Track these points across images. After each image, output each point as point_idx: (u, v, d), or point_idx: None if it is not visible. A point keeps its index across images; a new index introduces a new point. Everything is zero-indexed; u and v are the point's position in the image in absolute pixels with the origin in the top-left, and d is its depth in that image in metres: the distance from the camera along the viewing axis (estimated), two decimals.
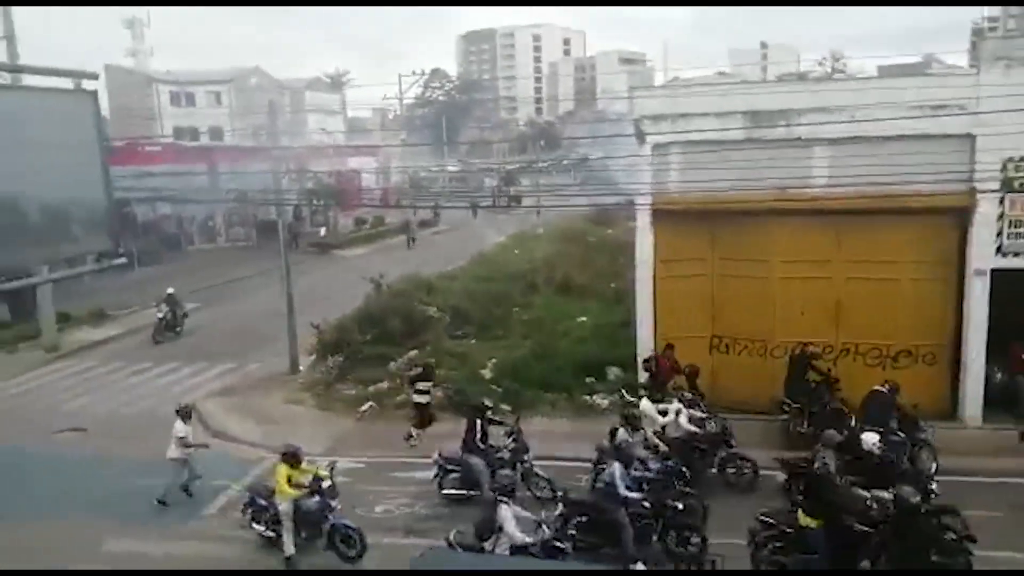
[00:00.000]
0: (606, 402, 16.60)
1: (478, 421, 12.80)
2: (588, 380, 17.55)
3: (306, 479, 11.10)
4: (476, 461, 12.50)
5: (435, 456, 13.00)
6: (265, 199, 25.76)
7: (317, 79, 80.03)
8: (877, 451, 11.07)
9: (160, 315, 23.91)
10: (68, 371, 21.32)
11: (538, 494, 12.48)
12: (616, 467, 10.56)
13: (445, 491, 12.80)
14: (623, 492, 10.42)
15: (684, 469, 12.01)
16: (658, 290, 16.05)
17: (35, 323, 23.37)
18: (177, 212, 40.62)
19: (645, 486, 10.91)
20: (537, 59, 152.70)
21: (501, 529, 9.57)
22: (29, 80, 4.57)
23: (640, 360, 15.66)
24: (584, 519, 10.67)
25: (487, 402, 13.82)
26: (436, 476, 12.87)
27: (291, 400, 18.22)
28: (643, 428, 12.37)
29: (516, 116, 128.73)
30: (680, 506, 10.59)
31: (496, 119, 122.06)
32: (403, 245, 41.43)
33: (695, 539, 10.58)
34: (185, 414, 13.37)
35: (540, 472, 12.68)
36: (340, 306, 22.27)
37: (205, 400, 18.28)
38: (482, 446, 12.66)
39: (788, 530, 9.91)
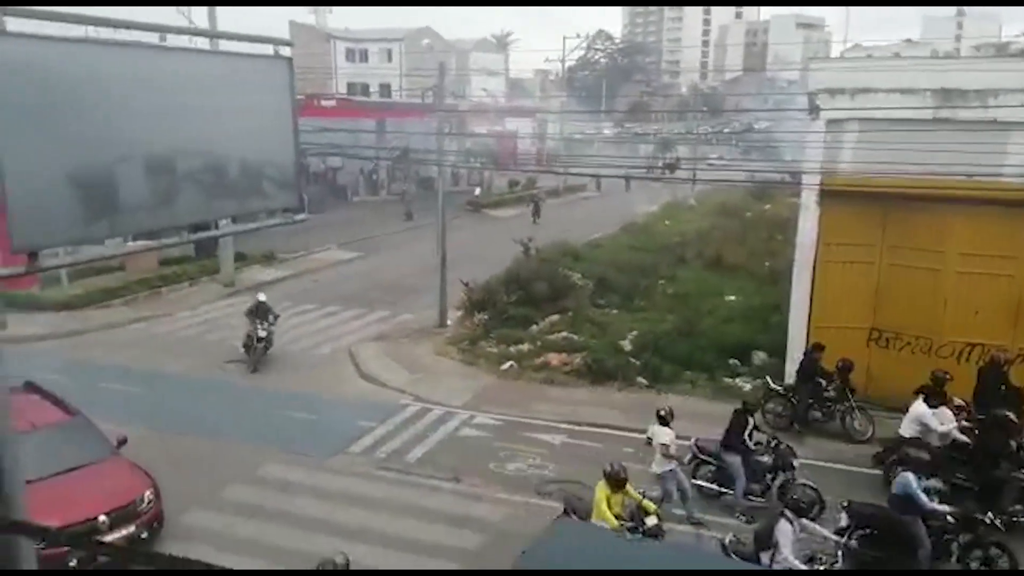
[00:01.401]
0: (748, 386, 16.11)
1: (748, 419, 11.75)
2: (732, 362, 17.09)
3: (628, 504, 10.08)
4: (734, 460, 11.63)
5: (691, 442, 12.13)
6: (425, 157, 26.61)
7: (484, 40, 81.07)
8: None
9: (262, 334, 17.81)
10: (240, 306, 23.21)
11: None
12: (910, 475, 9.73)
13: (697, 482, 12.05)
14: (928, 505, 9.57)
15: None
16: (818, 274, 15.22)
17: (215, 260, 25.60)
18: (345, 164, 42.81)
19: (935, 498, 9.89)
20: (706, 22, 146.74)
21: (778, 545, 8.71)
22: (227, 45, 4.91)
23: (792, 350, 14.97)
24: (870, 531, 9.77)
25: (748, 403, 12.34)
26: (691, 463, 12.07)
27: (438, 352, 18.97)
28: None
29: (678, 81, 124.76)
30: (991, 521, 9.52)
31: (658, 84, 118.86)
32: (553, 207, 41.53)
33: (1003, 560, 9.64)
34: (667, 417, 11.40)
35: (807, 482, 11.31)
36: (488, 264, 22.83)
37: (360, 345, 19.42)
38: (747, 446, 11.71)
39: None
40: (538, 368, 17.41)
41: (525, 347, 18.51)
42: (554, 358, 17.71)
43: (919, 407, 11.97)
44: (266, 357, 18.05)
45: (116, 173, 4.37)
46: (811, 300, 15.28)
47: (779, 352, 15.94)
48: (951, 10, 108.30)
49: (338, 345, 19.56)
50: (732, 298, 21.27)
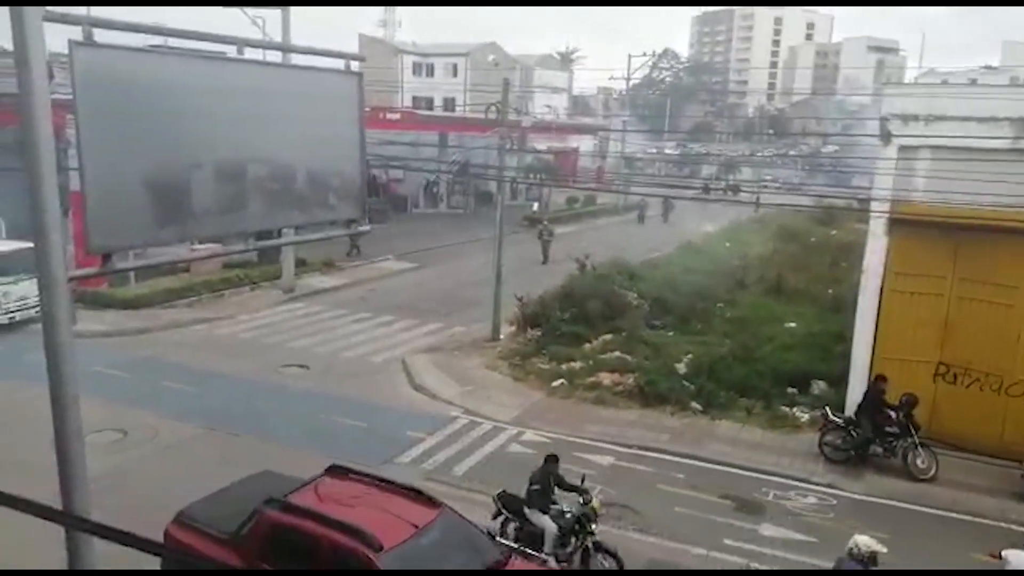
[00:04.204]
0: (806, 416, 15.68)
1: None
2: (790, 391, 16.65)
3: None
4: None
5: None
6: (484, 173, 26.83)
7: (548, 56, 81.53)
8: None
9: None
10: (298, 312, 23.69)
11: None
12: None
13: None
14: None
15: None
16: (884, 304, 14.77)
17: (277, 266, 26.17)
18: (406, 176, 43.45)
19: None
20: (776, 43, 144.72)
21: None
22: (300, 58, 5.03)
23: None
24: None
25: None
26: None
27: (488, 366, 18.97)
28: None
29: (744, 102, 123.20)
30: None
31: (723, 104, 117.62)
32: (608, 226, 41.30)
33: None
34: None
35: None
36: (541, 279, 22.79)
37: (412, 355, 19.56)
38: None
39: None
40: (589, 387, 17.25)
41: (577, 365, 18.37)
42: (606, 378, 17.53)
43: None
44: None
45: (189, 180, 4.51)
46: (876, 330, 14.83)
47: (839, 382, 15.48)
48: None
49: (391, 355, 19.73)
50: (792, 325, 20.77)
